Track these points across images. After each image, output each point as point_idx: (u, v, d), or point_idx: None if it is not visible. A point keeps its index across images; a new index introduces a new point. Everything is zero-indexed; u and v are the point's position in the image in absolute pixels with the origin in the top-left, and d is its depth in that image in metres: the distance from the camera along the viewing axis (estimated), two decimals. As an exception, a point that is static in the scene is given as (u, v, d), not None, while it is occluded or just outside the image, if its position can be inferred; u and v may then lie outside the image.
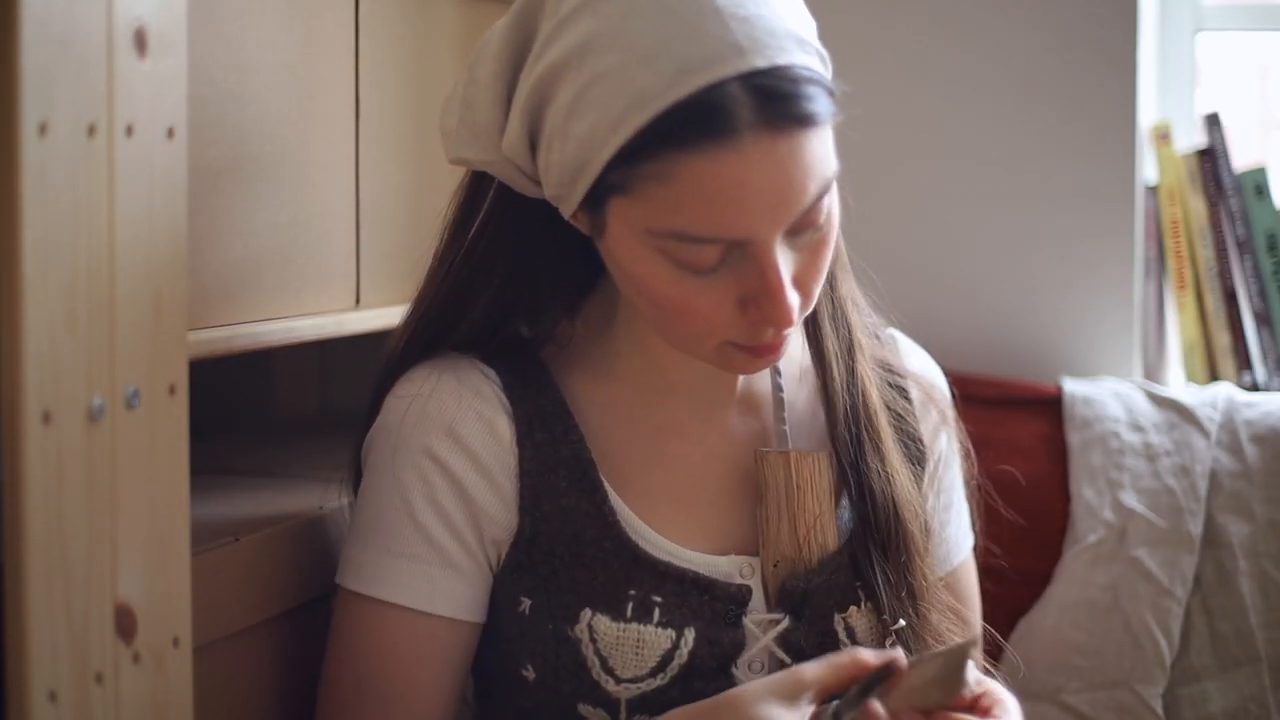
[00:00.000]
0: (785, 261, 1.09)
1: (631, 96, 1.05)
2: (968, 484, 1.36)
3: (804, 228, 1.10)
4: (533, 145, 1.13)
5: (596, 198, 1.10)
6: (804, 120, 1.06)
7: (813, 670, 1.09)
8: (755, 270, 1.08)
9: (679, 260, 1.09)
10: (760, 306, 1.09)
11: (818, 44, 1.11)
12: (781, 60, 1.06)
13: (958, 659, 1.07)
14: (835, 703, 1.07)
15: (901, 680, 1.08)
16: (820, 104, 1.08)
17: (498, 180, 1.21)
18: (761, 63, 1.05)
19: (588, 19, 1.08)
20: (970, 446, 1.35)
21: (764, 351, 1.14)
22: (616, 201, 1.09)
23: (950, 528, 1.33)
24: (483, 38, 1.16)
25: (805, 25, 1.11)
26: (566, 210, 1.14)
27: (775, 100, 1.05)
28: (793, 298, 1.09)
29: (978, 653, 1.11)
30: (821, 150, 1.08)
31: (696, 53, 1.04)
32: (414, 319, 1.25)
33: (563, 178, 1.11)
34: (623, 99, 1.05)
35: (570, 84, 1.08)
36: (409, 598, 1.18)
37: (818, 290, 1.14)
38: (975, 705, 1.11)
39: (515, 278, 1.22)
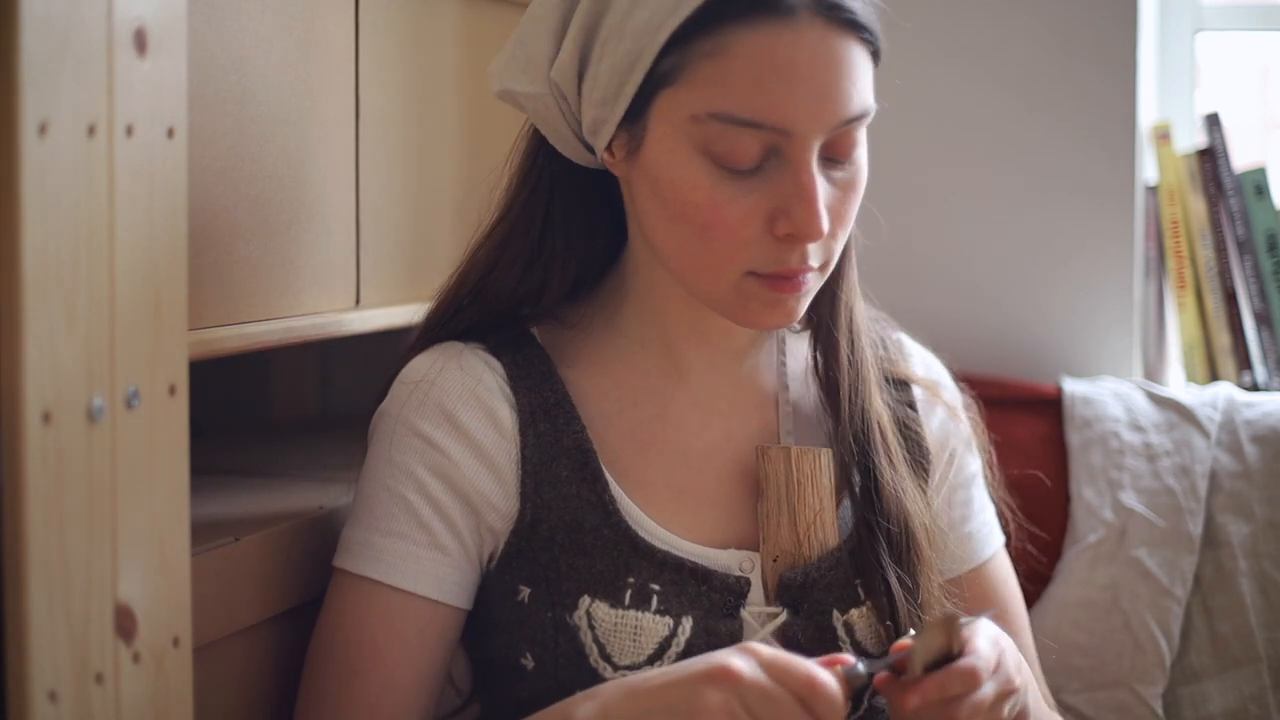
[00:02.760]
0: (819, 185, 1.12)
1: None
2: (990, 485, 1.36)
3: (838, 154, 1.14)
4: (581, 72, 1.16)
5: (641, 102, 1.13)
6: (854, 26, 1.11)
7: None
8: (790, 175, 1.11)
9: (719, 156, 1.11)
10: (791, 216, 1.11)
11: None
12: None
13: (953, 627, 1.07)
14: (857, 663, 1.07)
15: (909, 660, 1.08)
16: (871, 28, 1.13)
17: (542, 153, 1.24)
18: None
19: None
20: (992, 451, 1.35)
21: (785, 285, 1.14)
22: (663, 97, 1.12)
23: (971, 524, 1.33)
24: None
25: None
26: (604, 136, 1.17)
27: None
28: (824, 211, 1.12)
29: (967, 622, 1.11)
30: (865, 74, 1.13)
31: None
32: (456, 282, 1.27)
33: (608, 91, 1.14)
34: None
35: None
36: (390, 575, 1.19)
37: (842, 236, 1.17)
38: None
39: (545, 243, 1.24)
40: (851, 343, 1.25)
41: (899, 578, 1.21)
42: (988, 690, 1.08)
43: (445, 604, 1.21)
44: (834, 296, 1.25)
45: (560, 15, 1.18)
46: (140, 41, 0.94)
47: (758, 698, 1.02)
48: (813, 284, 1.17)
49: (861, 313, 1.28)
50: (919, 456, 1.28)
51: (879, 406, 1.25)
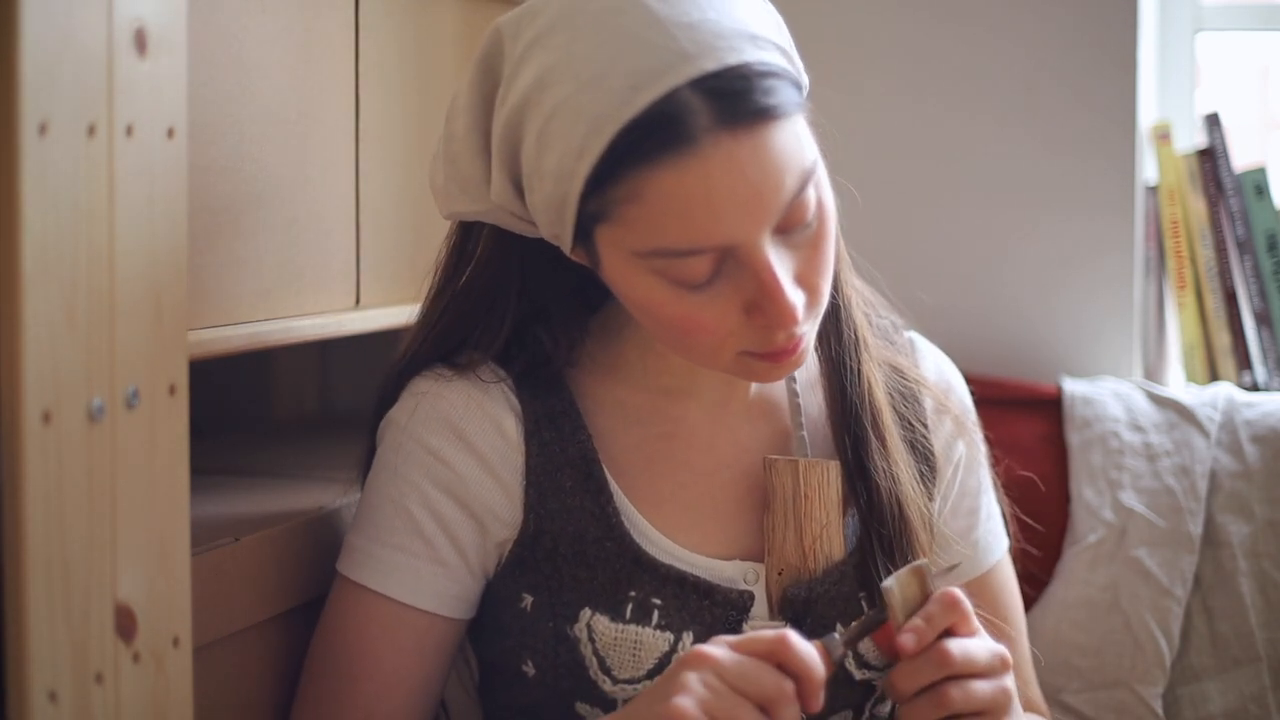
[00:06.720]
0: (782, 261, 1.08)
1: (589, 122, 1.05)
2: (997, 490, 1.36)
3: (794, 224, 1.09)
4: (519, 189, 1.13)
5: (583, 229, 1.10)
6: (762, 114, 1.05)
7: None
8: (751, 274, 1.07)
9: (673, 278, 1.08)
10: (763, 310, 1.08)
11: (777, 38, 1.10)
12: (732, 60, 1.05)
13: (924, 576, 1.13)
14: (835, 635, 1.10)
15: (891, 613, 1.12)
16: (780, 96, 1.06)
17: (489, 224, 1.21)
18: (711, 65, 1.04)
19: (539, 54, 1.08)
20: (992, 452, 1.35)
21: (781, 357, 1.12)
22: (600, 230, 1.09)
23: (977, 532, 1.32)
24: (453, 93, 1.16)
25: (759, 21, 1.09)
26: (565, 248, 1.14)
27: (729, 99, 1.04)
28: (795, 296, 1.08)
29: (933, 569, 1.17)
30: (792, 142, 1.07)
31: (645, 66, 1.04)
32: (417, 340, 1.25)
33: (550, 216, 1.11)
34: (581, 126, 1.05)
35: (534, 121, 1.08)
36: (389, 587, 1.20)
37: (826, 286, 1.12)
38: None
39: (523, 315, 1.22)
40: (841, 311, 1.23)
41: (892, 566, 1.19)
42: (979, 651, 1.11)
43: (444, 616, 1.21)
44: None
45: (480, 136, 1.14)
46: (140, 41, 0.94)
47: (734, 669, 1.03)
48: (810, 333, 1.14)
49: (858, 287, 1.26)
50: (921, 452, 1.27)
51: (871, 375, 1.23)
